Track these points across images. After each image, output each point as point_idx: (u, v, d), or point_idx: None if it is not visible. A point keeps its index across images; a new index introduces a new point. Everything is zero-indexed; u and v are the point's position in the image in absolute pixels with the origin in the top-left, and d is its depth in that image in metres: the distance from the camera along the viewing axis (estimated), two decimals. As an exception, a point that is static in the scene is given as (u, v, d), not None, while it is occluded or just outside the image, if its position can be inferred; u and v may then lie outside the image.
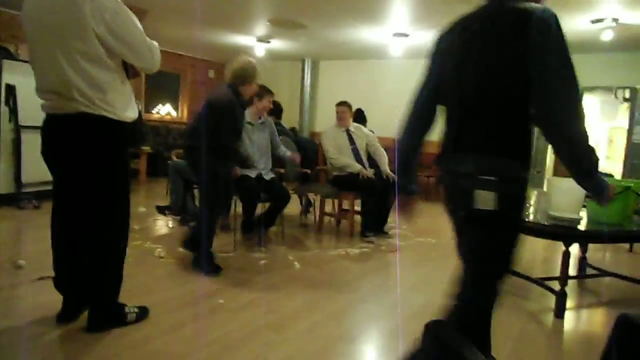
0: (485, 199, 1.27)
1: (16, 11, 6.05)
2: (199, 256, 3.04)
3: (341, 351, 2.12)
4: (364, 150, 4.53)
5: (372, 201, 4.32)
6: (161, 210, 4.74)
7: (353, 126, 4.56)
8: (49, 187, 5.41)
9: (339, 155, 4.35)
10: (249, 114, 3.83)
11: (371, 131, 4.83)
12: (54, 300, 2.46)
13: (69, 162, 1.97)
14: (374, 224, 4.41)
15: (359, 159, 4.39)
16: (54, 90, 1.89)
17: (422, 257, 3.92)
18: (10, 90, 4.43)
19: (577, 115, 1.23)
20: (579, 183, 1.30)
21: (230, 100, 2.98)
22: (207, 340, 2.12)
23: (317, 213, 4.57)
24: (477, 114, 1.34)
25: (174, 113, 8.87)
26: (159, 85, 8.58)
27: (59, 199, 2.13)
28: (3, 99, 4.44)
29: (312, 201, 4.95)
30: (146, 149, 6.95)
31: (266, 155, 3.98)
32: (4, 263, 2.98)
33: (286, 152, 4.10)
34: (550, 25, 1.22)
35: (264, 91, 3.84)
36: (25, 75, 4.39)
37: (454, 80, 1.39)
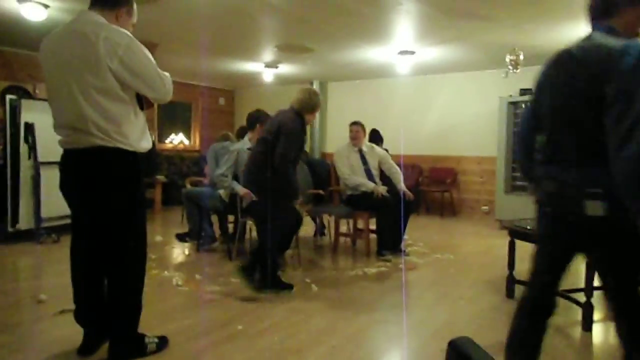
0: (594, 207, 1.38)
1: (33, 52, 6.28)
2: (266, 278, 3.10)
3: (363, 374, 2.07)
4: (377, 170, 4.53)
5: (387, 219, 4.29)
6: (181, 237, 4.76)
7: (366, 145, 4.57)
8: (68, 221, 5.48)
9: (352, 174, 4.35)
10: (250, 140, 3.92)
11: (385, 149, 4.84)
12: (75, 333, 2.47)
13: (86, 195, 2.01)
14: (390, 242, 4.36)
15: (371, 179, 4.39)
16: (70, 125, 1.94)
17: (441, 274, 3.85)
18: (29, 128, 4.57)
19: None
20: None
21: (300, 126, 3.19)
22: (227, 368, 2.09)
23: (332, 234, 4.54)
24: (572, 135, 1.46)
25: (186, 142, 9.02)
26: (171, 115, 8.75)
27: (78, 232, 2.16)
28: (22, 137, 4.58)
29: (326, 224, 4.94)
30: (161, 178, 7.05)
31: None
32: (26, 298, 3.01)
33: None
34: (630, 68, 1.27)
35: (260, 117, 3.94)
36: (42, 113, 4.52)
37: (549, 111, 1.53)
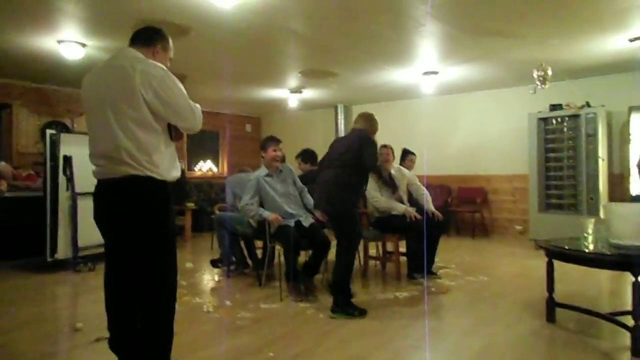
0: None
1: (71, 88, 6.63)
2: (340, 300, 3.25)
3: (399, 404, 2.00)
4: (405, 192, 4.48)
5: (418, 241, 4.20)
6: (214, 263, 4.77)
7: (394, 168, 4.54)
8: (102, 250, 5.62)
9: (382, 197, 4.30)
10: (265, 169, 3.98)
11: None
12: (111, 359, 2.49)
13: (118, 223, 2.07)
14: (421, 265, 4.26)
15: (401, 202, 4.34)
16: (106, 155, 2.02)
17: (475, 297, 3.72)
18: (67, 161, 4.77)
19: None
20: None
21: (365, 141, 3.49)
22: (259, 398, 2.06)
23: (362, 257, 4.48)
24: None
25: (214, 169, 9.20)
26: (199, 144, 8.98)
27: (111, 261, 2.21)
28: (61, 169, 4.78)
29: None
30: (190, 205, 7.18)
31: (295, 201, 4.00)
32: (63, 326, 3.08)
33: (308, 201, 4.08)
34: None
35: (266, 141, 4.04)
36: (80, 146, 4.72)
37: None
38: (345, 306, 3.22)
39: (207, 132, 9.07)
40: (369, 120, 3.64)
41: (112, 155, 2.00)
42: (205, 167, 9.07)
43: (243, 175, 4.75)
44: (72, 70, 5.47)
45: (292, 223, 3.76)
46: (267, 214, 3.80)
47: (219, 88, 6.98)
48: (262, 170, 4.02)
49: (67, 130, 5.92)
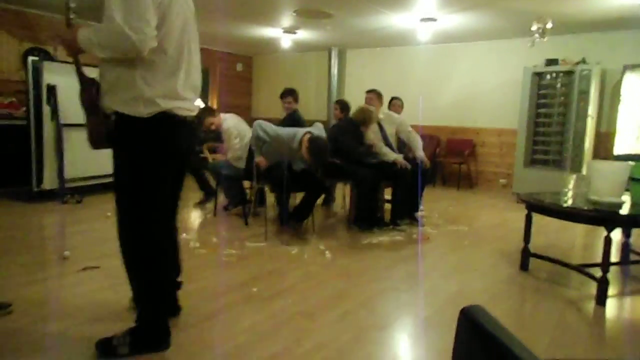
0: None
1: (54, 14, 6.28)
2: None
3: (374, 339, 2.12)
4: (394, 138, 4.49)
5: (403, 189, 4.28)
6: (226, 208, 4.71)
7: (383, 113, 4.53)
8: (90, 183, 5.59)
9: (375, 142, 4.33)
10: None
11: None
12: (97, 289, 2.58)
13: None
14: (405, 212, 4.38)
15: (389, 147, 4.36)
16: (196, 89, 1.96)
17: (455, 245, 3.86)
18: (51, 90, 4.62)
19: None
20: None
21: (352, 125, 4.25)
22: (240, 328, 2.17)
23: (348, 203, 4.56)
24: None
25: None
26: (188, 81, 8.73)
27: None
28: (44, 99, 4.64)
29: (341, 193, 4.95)
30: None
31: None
32: (51, 254, 3.13)
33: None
34: None
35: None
36: (64, 75, 4.57)
37: None
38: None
39: (196, 69, 8.81)
40: (361, 113, 4.19)
41: (198, 85, 1.96)
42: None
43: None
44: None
45: (284, 165, 3.79)
46: (256, 156, 3.80)
47: (209, 23, 6.68)
48: (296, 141, 3.78)
49: (50, 58, 5.67)
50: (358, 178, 4.09)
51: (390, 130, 4.47)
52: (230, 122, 4.52)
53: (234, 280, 2.80)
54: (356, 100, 5.21)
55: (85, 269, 2.84)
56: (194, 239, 3.61)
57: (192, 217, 4.51)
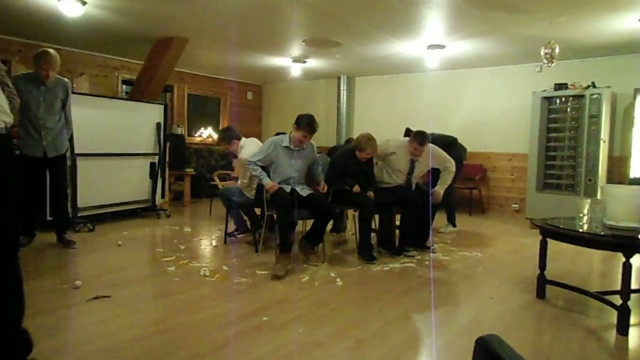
0: None
1: (71, 48, 6.52)
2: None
3: (388, 370, 2.06)
4: (423, 171, 4.50)
5: (412, 216, 4.26)
6: (232, 235, 4.72)
7: (423, 158, 4.36)
8: (102, 211, 5.67)
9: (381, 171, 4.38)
10: (288, 140, 3.93)
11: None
12: (109, 317, 2.57)
13: None
14: (414, 239, 4.32)
15: (409, 182, 4.38)
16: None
17: (468, 272, 3.78)
18: (66, 121, 4.73)
19: None
20: None
21: (343, 154, 4.30)
22: (252, 358, 2.13)
23: (358, 229, 4.52)
24: None
25: (215, 135, 9.15)
26: (200, 109, 8.91)
27: None
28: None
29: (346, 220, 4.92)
30: (189, 171, 7.19)
31: (301, 173, 4.04)
32: (63, 283, 3.14)
33: (319, 175, 4.16)
34: None
35: (303, 122, 3.88)
36: (80, 107, 4.69)
37: None
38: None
39: (208, 98, 8.99)
40: (356, 140, 4.20)
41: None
42: (205, 133, 9.02)
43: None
44: (71, 28, 5.36)
45: (287, 188, 3.83)
46: (266, 182, 3.81)
47: (221, 53, 6.87)
48: (285, 140, 3.93)
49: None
50: (358, 203, 4.08)
51: (418, 173, 4.42)
52: (246, 150, 4.44)
53: (244, 309, 2.77)
54: (365, 126, 5.25)
55: (97, 297, 2.84)
56: (204, 267, 3.60)
57: (202, 245, 4.51)
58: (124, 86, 7.55)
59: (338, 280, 3.38)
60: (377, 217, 4.33)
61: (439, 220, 5.09)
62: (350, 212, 4.98)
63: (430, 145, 4.35)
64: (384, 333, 2.47)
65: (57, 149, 4.05)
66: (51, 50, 3.89)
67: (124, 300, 2.85)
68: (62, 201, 4.24)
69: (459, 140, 5.56)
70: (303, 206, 3.82)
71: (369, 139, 4.13)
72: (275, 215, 3.82)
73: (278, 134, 4.86)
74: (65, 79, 4.18)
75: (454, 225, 5.48)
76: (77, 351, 2.15)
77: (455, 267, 3.90)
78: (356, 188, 4.06)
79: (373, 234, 4.29)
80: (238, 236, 4.72)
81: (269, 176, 3.87)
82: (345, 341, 2.34)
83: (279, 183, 3.87)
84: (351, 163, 4.17)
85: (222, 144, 4.69)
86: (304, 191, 3.93)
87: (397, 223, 4.46)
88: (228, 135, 4.62)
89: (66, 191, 4.31)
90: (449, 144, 5.17)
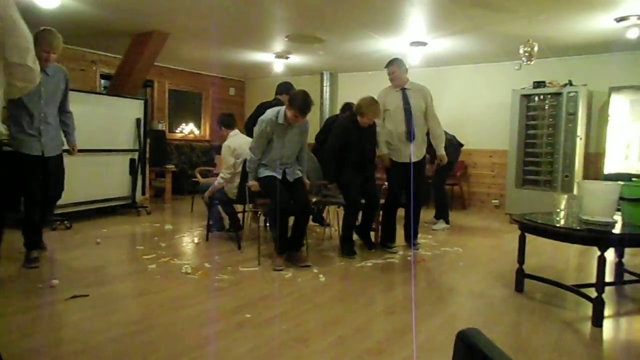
0: None
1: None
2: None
3: (370, 364, 2.08)
4: (422, 112, 4.18)
5: (391, 212, 4.29)
6: (210, 230, 4.66)
7: (412, 84, 4.26)
8: (81, 208, 5.54)
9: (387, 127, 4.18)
10: (283, 116, 3.67)
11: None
12: (86, 317, 2.52)
13: None
14: (393, 235, 4.32)
15: (409, 119, 4.10)
16: None
17: (449, 267, 3.84)
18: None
19: None
20: None
21: (344, 122, 4.15)
22: (234, 356, 2.12)
23: (340, 225, 4.54)
24: None
25: (196, 131, 9.05)
26: (181, 105, 8.79)
27: None
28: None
29: (333, 216, 4.93)
30: (170, 167, 7.09)
31: (293, 150, 3.80)
32: (39, 282, 3.06)
33: (304, 162, 3.93)
34: None
35: (296, 102, 3.62)
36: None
37: None
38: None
39: (189, 93, 8.88)
40: (357, 104, 4.02)
41: None
42: (187, 129, 8.91)
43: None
44: (47, 21, 5.20)
45: (279, 175, 3.66)
46: (250, 179, 3.72)
47: (202, 48, 6.78)
48: (280, 116, 3.66)
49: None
50: (346, 201, 4.05)
51: (417, 104, 4.15)
52: (232, 141, 4.32)
53: (226, 306, 2.75)
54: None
55: (75, 297, 2.78)
56: (186, 264, 3.56)
57: (184, 242, 4.46)
58: (103, 81, 7.39)
59: (321, 276, 3.39)
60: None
61: (426, 216, 5.14)
62: (333, 208, 4.99)
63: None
64: (367, 328, 2.49)
65: (56, 148, 3.49)
66: (53, 29, 3.30)
67: (103, 299, 2.80)
68: (52, 212, 3.71)
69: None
70: (290, 191, 3.66)
71: (371, 102, 3.90)
72: (268, 215, 3.78)
73: (263, 103, 4.72)
74: (64, 67, 3.62)
75: (447, 222, 5.52)
76: (55, 351, 2.10)
77: (437, 263, 3.95)
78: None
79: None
80: (215, 232, 4.68)
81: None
82: (328, 337, 2.35)
83: (266, 165, 3.67)
84: (353, 131, 3.96)
85: (220, 126, 4.60)
86: (292, 174, 3.76)
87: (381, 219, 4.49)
88: (226, 121, 4.51)
89: (58, 198, 3.71)
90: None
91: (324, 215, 5.19)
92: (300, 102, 3.55)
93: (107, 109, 5.58)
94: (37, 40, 3.09)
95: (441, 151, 4.30)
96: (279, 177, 3.67)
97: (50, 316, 2.53)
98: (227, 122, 4.52)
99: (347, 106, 4.99)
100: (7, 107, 3.19)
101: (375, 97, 4.08)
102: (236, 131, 4.51)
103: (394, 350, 2.25)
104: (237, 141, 4.29)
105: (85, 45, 6.84)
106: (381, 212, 4.38)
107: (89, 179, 5.24)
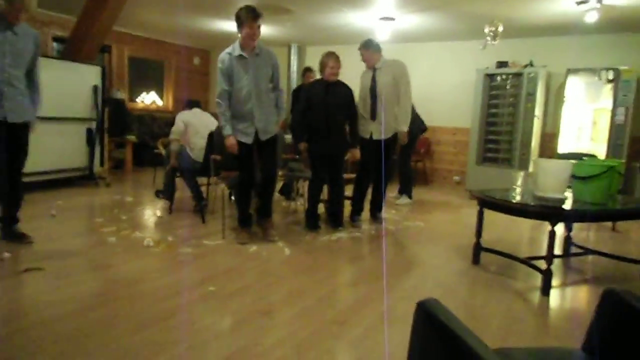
0: None
1: None
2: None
3: (332, 334, 2.14)
4: (391, 89, 4.12)
5: (362, 187, 4.33)
6: (157, 195, 4.89)
7: (384, 62, 4.25)
8: (34, 179, 5.28)
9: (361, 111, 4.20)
10: (239, 47, 3.34)
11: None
12: (41, 292, 2.44)
13: None
14: (360, 209, 4.40)
15: (373, 100, 4.09)
16: None
17: (410, 241, 3.95)
18: None
19: None
20: None
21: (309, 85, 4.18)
22: (197, 328, 2.12)
23: (306, 198, 4.56)
24: None
25: (159, 102, 8.73)
26: (142, 73, 8.42)
27: None
28: None
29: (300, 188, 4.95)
30: (131, 138, 6.85)
31: (266, 98, 3.42)
32: (-11, 256, 2.93)
33: (280, 104, 3.59)
34: None
35: (241, 14, 3.27)
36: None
37: None
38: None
39: (151, 61, 8.50)
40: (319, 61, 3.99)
41: None
42: (148, 98, 8.58)
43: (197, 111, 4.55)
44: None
45: (250, 139, 3.38)
46: (226, 131, 3.35)
47: (164, 14, 6.47)
48: (236, 49, 3.34)
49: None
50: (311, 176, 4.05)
51: (385, 80, 4.12)
52: (190, 112, 4.51)
53: (190, 279, 2.73)
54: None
55: (28, 270, 2.68)
56: (148, 237, 3.49)
57: (146, 215, 4.36)
58: (55, 44, 6.94)
59: (286, 249, 3.41)
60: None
61: (390, 191, 5.24)
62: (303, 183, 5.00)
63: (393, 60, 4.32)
64: (330, 300, 2.55)
65: (21, 114, 3.14)
66: None
67: (60, 272, 2.71)
68: (19, 183, 3.29)
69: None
70: (260, 153, 3.48)
71: (327, 53, 3.90)
72: (231, 188, 3.72)
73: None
74: (35, 30, 3.32)
75: (410, 197, 5.64)
76: (12, 324, 2.03)
77: (400, 237, 4.06)
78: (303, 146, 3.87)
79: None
80: (160, 196, 4.72)
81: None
82: (292, 308, 2.39)
83: (239, 118, 3.35)
84: (318, 92, 3.83)
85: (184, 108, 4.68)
86: (266, 131, 3.42)
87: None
88: (189, 104, 4.68)
89: (22, 170, 3.33)
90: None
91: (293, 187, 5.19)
92: (245, 9, 3.23)
93: (61, 75, 5.27)
94: None
95: (401, 128, 4.18)
96: (250, 141, 3.39)
97: (2, 290, 2.43)
98: (189, 104, 4.66)
99: (308, 69, 5.34)
100: None
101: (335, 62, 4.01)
102: (195, 109, 4.57)
103: (356, 320, 2.31)
104: (192, 115, 4.46)
105: (37, 4, 6.36)
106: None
107: (40, 149, 4.97)
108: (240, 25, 3.27)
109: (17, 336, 1.95)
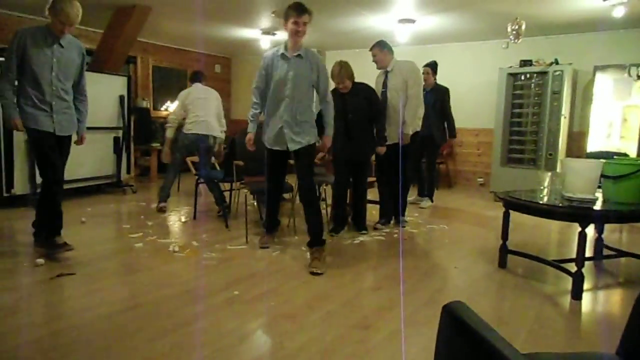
0: None
1: (22, 13, 6.11)
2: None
3: (356, 338, 2.13)
4: (401, 93, 4.06)
5: (385, 190, 4.30)
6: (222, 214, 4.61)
7: (396, 64, 4.19)
8: (69, 186, 5.41)
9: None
10: (284, 46, 3.12)
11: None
12: (71, 297, 2.51)
13: None
14: (389, 214, 4.36)
15: (384, 104, 4.06)
16: None
17: (434, 244, 3.90)
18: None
19: None
20: None
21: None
22: (223, 331, 2.14)
23: (330, 201, 4.56)
24: None
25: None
26: (166, 82, 8.60)
27: None
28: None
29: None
30: (156, 145, 6.99)
31: (301, 107, 3.11)
32: (24, 262, 3.03)
33: (328, 116, 3.27)
34: None
35: (287, 10, 3.05)
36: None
37: None
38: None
39: (174, 70, 8.68)
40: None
41: None
42: (172, 107, 8.73)
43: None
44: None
45: (275, 145, 3.16)
46: (250, 128, 3.23)
47: (186, 24, 6.60)
48: (281, 47, 3.12)
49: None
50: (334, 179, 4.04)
51: (395, 84, 4.07)
52: (191, 90, 4.83)
53: (214, 283, 2.77)
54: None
55: (60, 275, 2.76)
56: (173, 243, 3.55)
57: (171, 221, 4.44)
58: (83, 56, 7.17)
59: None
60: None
61: (411, 194, 5.18)
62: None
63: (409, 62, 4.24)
64: (354, 304, 2.53)
65: (68, 127, 3.20)
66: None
67: (90, 277, 2.79)
68: (60, 194, 3.24)
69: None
70: (288, 163, 3.33)
71: (339, 65, 3.79)
72: (254, 194, 3.76)
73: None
74: (79, 41, 3.37)
75: (432, 200, 5.59)
76: (42, 330, 2.10)
77: (423, 240, 4.01)
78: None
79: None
80: (162, 205, 4.78)
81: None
82: (316, 313, 2.39)
83: (270, 117, 3.15)
84: (335, 102, 3.46)
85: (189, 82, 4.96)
86: (295, 140, 3.11)
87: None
88: (191, 77, 5.01)
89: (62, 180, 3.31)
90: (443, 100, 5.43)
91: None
92: (293, 4, 2.99)
93: (89, 86, 5.39)
94: (55, 7, 2.93)
95: (405, 129, 4.05)
96: (276, 147, 3.18)
97: (36, 295, 2.52)
98: (192, 77, 4.97)
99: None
100: (17, 79, 3.00)
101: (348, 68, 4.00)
102: (197, 84, 4.83)
103: (381, 324, 2.30)
104: (194, 94, 4.76)
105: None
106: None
107: (72, 158, 5.11)
108: (285, 20, 3.04)
109: (50, 339, 2.02)
